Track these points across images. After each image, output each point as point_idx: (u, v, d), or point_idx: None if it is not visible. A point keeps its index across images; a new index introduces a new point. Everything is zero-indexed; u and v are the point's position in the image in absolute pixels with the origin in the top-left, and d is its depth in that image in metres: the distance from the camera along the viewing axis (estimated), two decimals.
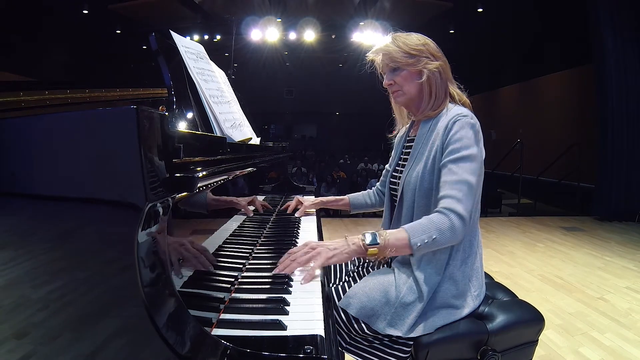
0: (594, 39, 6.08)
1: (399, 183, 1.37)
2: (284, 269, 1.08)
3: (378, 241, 1.11)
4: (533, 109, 10.81)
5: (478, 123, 1.24)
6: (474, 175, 1.16)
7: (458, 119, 1.22)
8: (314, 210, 1.91)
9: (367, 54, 1.41)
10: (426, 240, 1.09)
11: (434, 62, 1.30)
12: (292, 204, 1.88)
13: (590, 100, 6.93)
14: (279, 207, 1.97)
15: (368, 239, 1.12)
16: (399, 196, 1.36)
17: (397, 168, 1.46)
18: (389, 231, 1.14)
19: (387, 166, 1.59)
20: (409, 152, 1.38)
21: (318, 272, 1.09)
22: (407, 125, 1.52)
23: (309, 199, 1.86)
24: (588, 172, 7.16)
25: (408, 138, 1.46)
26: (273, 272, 1.09)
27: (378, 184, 1.76)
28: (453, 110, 1.27)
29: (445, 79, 1.33)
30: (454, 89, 1.36)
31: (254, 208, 1.58)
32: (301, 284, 1.03)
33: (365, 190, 1.82)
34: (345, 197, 1.82)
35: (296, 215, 1.83)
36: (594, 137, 6.51)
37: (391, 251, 1.12)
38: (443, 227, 1.10)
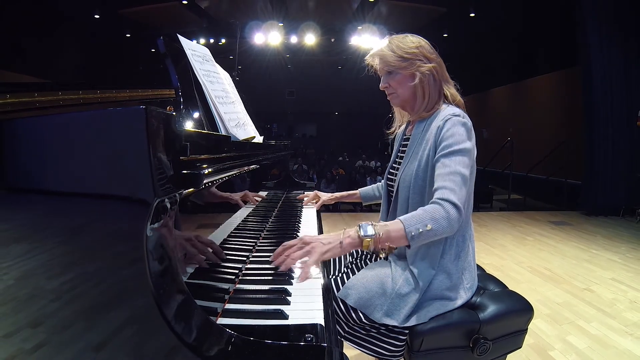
0: (581, 44, 6.08)
1: (395, 179, 1.37)
2: (278, 264, 1.03)
3: (373, 232, 1.04)
4: (523, 109, 10.78)
5: (470, 122, 1.23)
6: (466, 168, 1.14)
7: (450, 118, 1.21)
8: (314, 203, 1.97)
9: (365, 57, 1.40)
10: (421, 230, 1.03)
11: (427, 65, 1.28)
12: (310, 196, 1.97)
13: (577, 101, 6.91)
14: (281, 200, 1.98)
15: (364, 230, 1.05)
16: (394, 192, 1.36)
17: (394, 165, 1.46)
18: (384, 222, 1.08)
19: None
20: (405, 150, 1.38)
21: (315, 268, 1.03)
22: (405, 124, 1.51)
23: (326, 195, 1.94)
24: (575, 169, 7.15)
25: (405, 137, 1.45)
26: (270, 262, 1.05)
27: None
28: (446, 111, 1.25)
29: (440, 80, 1.31)
30: (449, 89, 1.33)
31: (249, 202, 1.59)
32: (299, 282, 0.98)
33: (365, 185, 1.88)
34: (357, 191, 1.88)
35: (316, 207, 1.92)
36: (581, 136, 6.51)
37: (387, 241, 1.04)
38: (438, 216, 1.04)
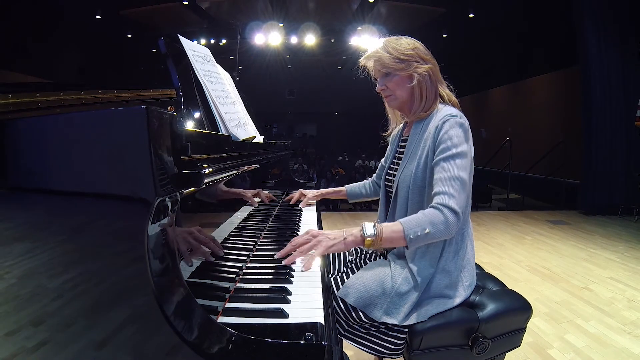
0: (580, 44, 6.07)
1: (393, 180, 1.37)
2: (286, 257, 1.10)
3: (374, 232, 1.08)
4: (521, 109, 10.77)
5: (467, 122, 1.23)
6: (465, 171, 1.15)
7: (447, 119, 1.21)
8: (314, 203, 1.95)
9: (359, 60, 1.40)
10: (419, 233, 1.06)
11: (424, 66, 1.28)
12: (295, 195, 1.93)
13: (576, 101, 6.91)
14: (282, 199, 1.98)
15: (367, 230, 1.09)
16: (393, 192, 1.36)
17: (392, 166, 1.46)
18: (385, 224, 1.11)
19: (382, 161, 1.61)
20: (403, 150, 1.38)
21: (318, 260, 1.10)
22: (402, 124, 1.51)
23: (310, 192, 1.90)
24: (573, 168, 7.15)
25: (402, 137, 1.46)
26: (275, 256, 1.12)
27: (374, 175, 1.78)
28: (443, 111, 1.25)
29: (435, 80, 1.32)
30: (444, 90, 1.34)
31: (259, 200, 1.60)
32: (302, 271, 1.05)
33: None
34: (343, 188, 1.85)
35: (300, 206, 1.87)
36: (579, 136, 6.50)
37: (386, 242, 1.09)
38: (436, 221, 1.07)
